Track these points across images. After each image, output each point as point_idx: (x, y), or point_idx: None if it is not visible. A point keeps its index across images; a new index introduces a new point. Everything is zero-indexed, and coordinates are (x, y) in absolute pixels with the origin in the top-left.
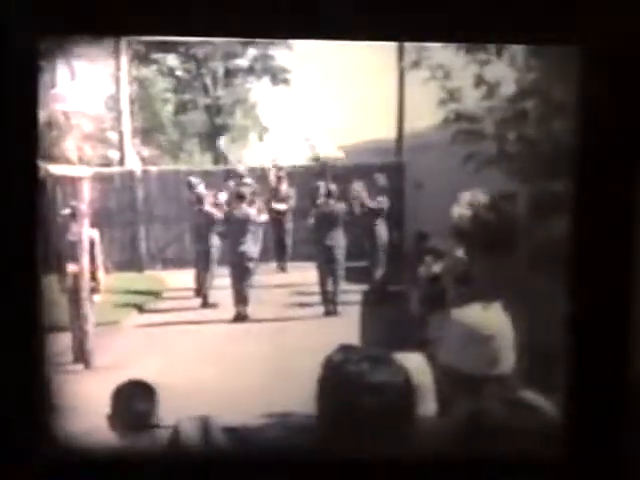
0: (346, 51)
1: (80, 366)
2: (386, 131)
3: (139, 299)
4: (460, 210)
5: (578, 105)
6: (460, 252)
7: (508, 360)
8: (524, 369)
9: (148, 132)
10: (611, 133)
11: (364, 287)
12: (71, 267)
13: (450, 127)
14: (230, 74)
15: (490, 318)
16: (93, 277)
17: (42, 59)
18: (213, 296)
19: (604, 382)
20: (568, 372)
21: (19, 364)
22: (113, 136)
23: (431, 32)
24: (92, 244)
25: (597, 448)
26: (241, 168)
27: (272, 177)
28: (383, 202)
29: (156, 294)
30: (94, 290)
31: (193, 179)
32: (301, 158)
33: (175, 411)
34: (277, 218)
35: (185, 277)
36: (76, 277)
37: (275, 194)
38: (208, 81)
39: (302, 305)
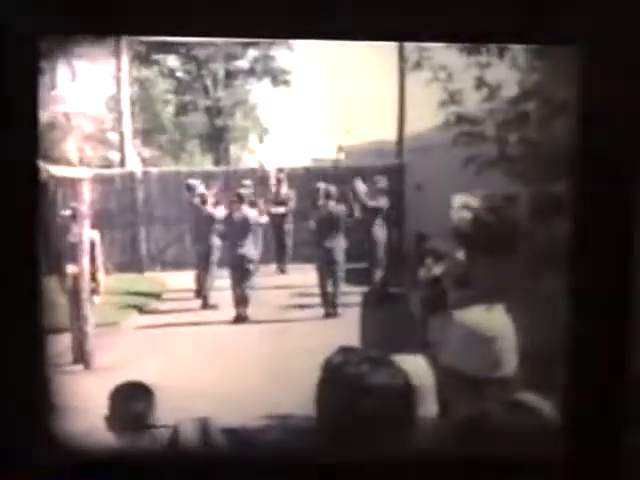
0: (347, 53)
1: (80, 367)
2: (387, 133)
3: (139, 300)
4: (460, 212)
5: (578, 105)
6: (460, 254)
7: (510, 362)
8: (524, 371)
9: (149, 133)
10: (611, 133)
11: (364, 289)
12: (71, 268)
13: (451, 129)
14: (231, 75)
15: (492, 320)
16: (93, 278)
17: (43, 59)
18: (213, 297)
19: (604, 382)
20: (568, 372)
21: (19, 364)
22: (114, 137)
23: (431, 32)
24: (92, 245)
25: (597, 448)
26: (241, 169)
27: (272, 179)
28: (383, 201)
29: (156, 295)
30: (94, 291)
31: (192, 181)
32: (301, 159)
33: (175, 412)
34: (277, 220)
35: (185, 278)
36: (76, 278)
37: (275, 196)
38: (209, 82)
39: (302, 307)
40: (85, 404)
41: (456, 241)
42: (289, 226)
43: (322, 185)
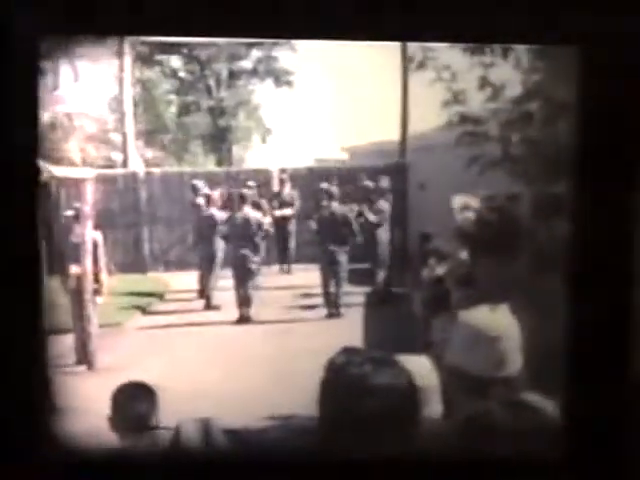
0: (350, 53)
1: (83, 367)
2: (390, 133)
3: (142, 301)
4: (461, 213)
5: (579, 105)
6: (464, 254)
7: (515, 362)
8: (528, 370)
9: (151, 134)
10: (612, 133)
11: (367, 289)
12: (74, 269)
13: (454, 129)
14: (233, 76)
15: (497, 320)
16: (96, 279)
17: (44, 60)
18: (216, 298)
19: (604, 382)
20: (568, 372)
21: (21, 364)
22: (116, 138)
23: (433, 32)
24: (95, 246)
25: (597, 448)
26: (244, 170)
27: (275, 179)
28: (385, 213)
29: (159, 296)
30: (97, 292)
31: (197, 183)
32: (304, 160)
33: (178, 413)
34: (281, 221)
35: (188, 279)
36: (79, 279)
37: (278, 196)
38: (211, 83)
39: (305, 307)
40: (88, 405)
41: (459, 241)
42: (292, 227)
43: (325, 185)
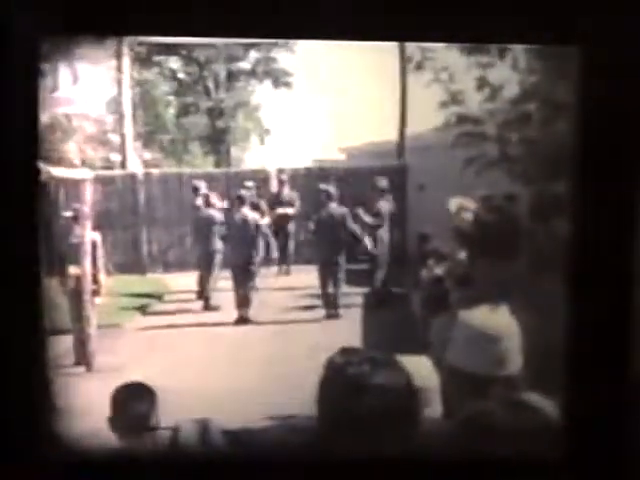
0: (348, 54)
1: (82, 369)
2: (388, 134)
3: (141, 302)
4: (457, 215)
5: (578, 105)
6: (462, 254)
7: (515, 361)
8: (528, 370)
9: (150, 135)
10: (612, 133)
11: (365, 290)
12: (73, 269)
13: (452, 129)
14: (232, 77)
15: (497, 319)
16: (95, 279)
17: (43, 60)
18: (215, 299)
19: (604, 382)
20: (568, 372)
21: (21, 364)
22: (115, 139)
23: (432, 32)
24: (94, 246)
25: (597, 448)
26: (242, 171)
27: (274, 180)
28: (384, 214)
29: (158, 297)
30: (96, 292)
31: (198, 183)
32: (302, 160)
33: (177, 413)
34: (280, 221)
35: (187, 280)
36: (78, 279)
37: (277, 197)
38: (210, 84)
39: (304, 308)
40: (87, 405)
41: (457, 242)
42: (292, 228)
43: (323, 186)
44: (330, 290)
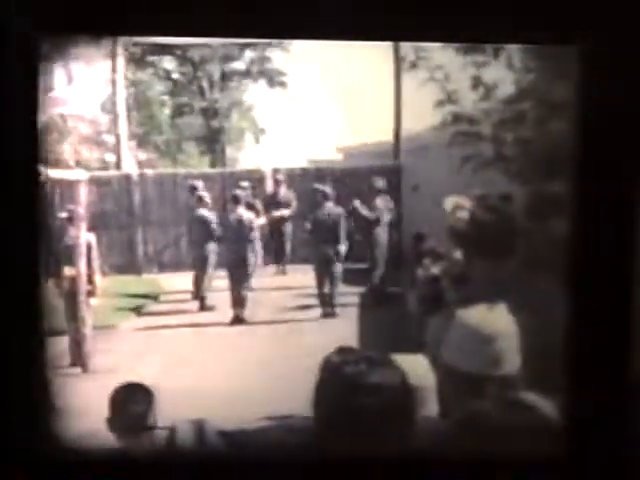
0: (342, 53)
1: (77, 370)
2: (383, 133)
3: (137, 302)
4: (453, 214)
5: (578, 105)
6: (458, 254)
7: (512, 361)
8: (526, 370)
9: (145, 135)
10: (611, 133)
11: (362, 289)
12: (68, 270)
13: (447, 129)
14: (226, 77)
15: (494, 319)
16: (90, 280)
17: (42, 60)
18: (211, 299)
19: (604, 382)
20: (568, 372)
21: (20, 365)
22: (110, 139)
23: (429, 32)
24: (89, 247)
25: (597, 448)
26: (238, 171)
27: (270, 180)
28: (381, 210)
29: (154, 297)
30: (91, 293)
31: (195, 182)
32: (298, 160)
33: (173, 414)
34: (276, 221)
35: (183, 280)
36: (73, 280)
37: (273, 197)
38: (205, 84)
39: (300, 307)
40: (84, 406)
41: (453, 241)
42: (288, 228)
43: (319, 186)
44: (326, 290)
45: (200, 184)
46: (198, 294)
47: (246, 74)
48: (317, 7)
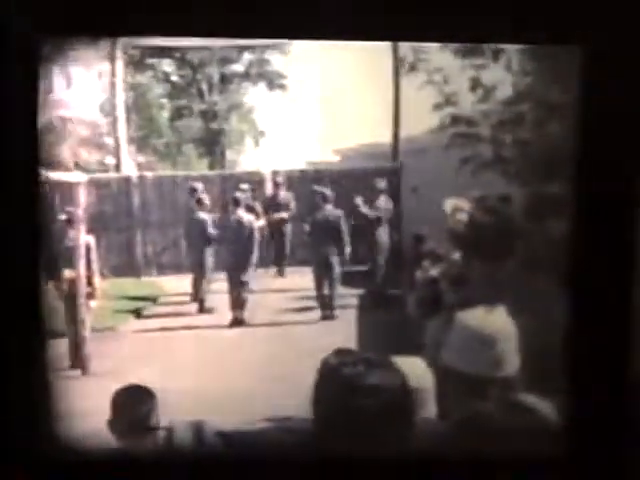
0: (342, 55)
1: (77, 372)
2: (382, 135)
3: (136, 304)
4: (453, 216)
5: (577, 105)
6: (457, 255)
7: (512, 363)
8: (525, 371)
9: (144, 138)
10: (611, 133)
11: (361, 291)
12: (67, 273)
13: (446, 131)
14: (226, 79)
15: (494, 321)
16: (89, 283)
17: (42, 60)
18: (210, 301)
19: (604, 382)
20: (568, 372)
21: (20, 366)
22: (109, 142)
23: (430, 32)
24: (88, 250)
25: (597, 448)
26: (237, 173)
27: (269, 182)
28: (382, 210)
29: (153, 299)
30: (90, 296)
31: (196, 184)
32: (297, 162)
33: (172, 416)
34: (276, 224)
35: (182, 282)
36: (72, 283)
37: (273, 199)
38: (204, 86)
39: (299, 309)
40: (83, 408)
41: (452, 243)
42: (288, 230)
43: (319, 188)
44: (325, 292)
45: (200, 186)
46: (197, 296)
47: (245, 77)
48: (317, 7)
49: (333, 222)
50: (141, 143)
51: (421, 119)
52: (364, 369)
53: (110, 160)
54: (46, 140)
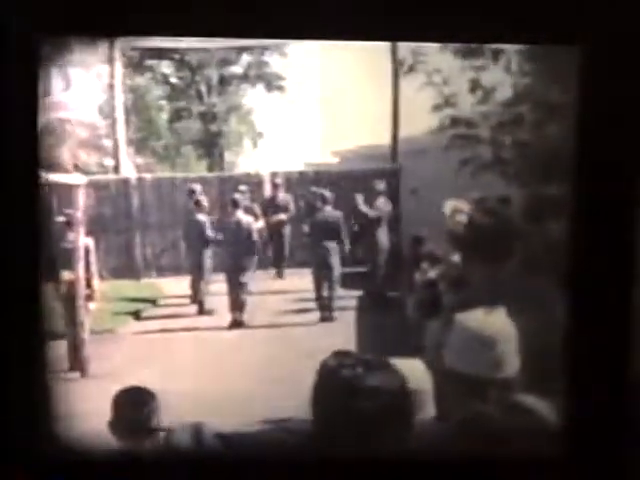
0: (340, 57)
1: (76, 374)
2: (381, 137)
3: (135, 306)
4: (453, 217)
5: (577, 105)
6: (456, 257)
7: (512, 364)
8: (524, 372)
9: (143, 140)
10: (611, 133)
11: (360, 293)
12: (66, 275)
13: (446, 132)
14: (224, 81)
15: (493, 322)
16: (88, 284)
17: (42, 60)
18: (209, 303)
19: (604, 383)
20: (569, 372)
21: (20, 366)
22: (108, 144)
23: (429, 32)
24: (87, 252)
25: (597, 448)
26: (236, 174)
27: (268, 184)
28: (383, 210)
29: (152, 301)
30: (89, 298)
31: (194, 185)
32: (296, 164)
33: (171, 418)
34: (275, 226)
35: (181, 284)
36: (71, 285)
37: (272, 201)
38: (202, 88)
39: (298, 311)
40: (82, 410)
41: (451, 244)
42: (287, 231)
43: (318, 190)
44: (325, 293)
45: (198, 188)
46: (196, 298)
47: (244, 78)
48: (317, 7)
49: (332, 223)
50: (140, 145)
51: (420, 120)
52: (363, 371)
53: (109, 162)
54: (45, 142)
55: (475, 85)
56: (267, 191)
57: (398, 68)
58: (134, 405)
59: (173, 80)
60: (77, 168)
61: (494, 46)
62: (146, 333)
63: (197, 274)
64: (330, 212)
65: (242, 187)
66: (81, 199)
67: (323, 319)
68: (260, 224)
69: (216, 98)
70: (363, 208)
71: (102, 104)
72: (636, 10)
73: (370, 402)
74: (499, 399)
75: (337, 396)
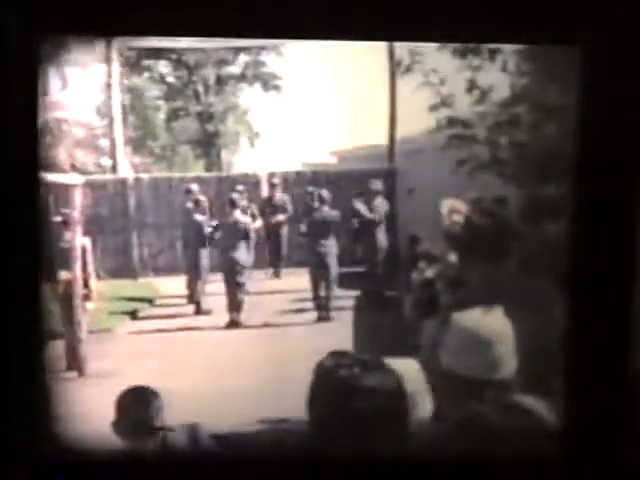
0: (337, 57)
1: (73, 373)
2: (378, 137)
3: (132, 306)
4: (450, 217)
5: (577, 105)
6: (453, 257)
7: (509, 364)
8: (522, 373)
9: (140, 139)
10: (611, 133)
11: (357, 293)
12: (63, 274)
13: (443, 132)
14: (221, 81)
15: (490, 322)
16: (85, 284)
17: (42, 60)
18: (207, 302)
19: (604, 382)
20: (568, 372)
21: (20, 366)
22: (105, 143)
23: (427, 32)
24: (84, 251)
25: (597, 448)
26: (233, 174)
27: (265, 184)
28: (381, 212)
29: (149, 301)
30: (87, 297)
31: (191, 186)
32: (293, 164)
33: (169, 417)
34: (272, 226)
35: (178, 284)
36: (68, 284)
37: (269, 201)
38: (200, 88)
39: (295, 311)
40: (80, 410)
41: (448, 244)
42: (284, 231)
43: (316, 190)
44: (322, 293)
45: (196, 188)
46: (193, 298)
47: (241, 78)
48: (317, 7)
49: (329, 223)
50: (137, 144)
51: (417, 120)
52: (360, 371)
53: (106, 161)
54: (43, 142)
55: (472, 85)
56: (264, 191)
57: (395, 68)
58: (138, 405)
59: (170, 80)
60: (74, 168)
61: (491, 46)
62: (143, 333)
63: (194, 274)
64: (327, 212)
65: (239, 187)
66: (78, 199)
67: (320, 319)
68: (258, 224)
69: (213, 98)
70: (362, 211)
71: (99, 104)
72: (636, 10)
73: (367, 402)
74: (496, 399)
75: (334, 396)
